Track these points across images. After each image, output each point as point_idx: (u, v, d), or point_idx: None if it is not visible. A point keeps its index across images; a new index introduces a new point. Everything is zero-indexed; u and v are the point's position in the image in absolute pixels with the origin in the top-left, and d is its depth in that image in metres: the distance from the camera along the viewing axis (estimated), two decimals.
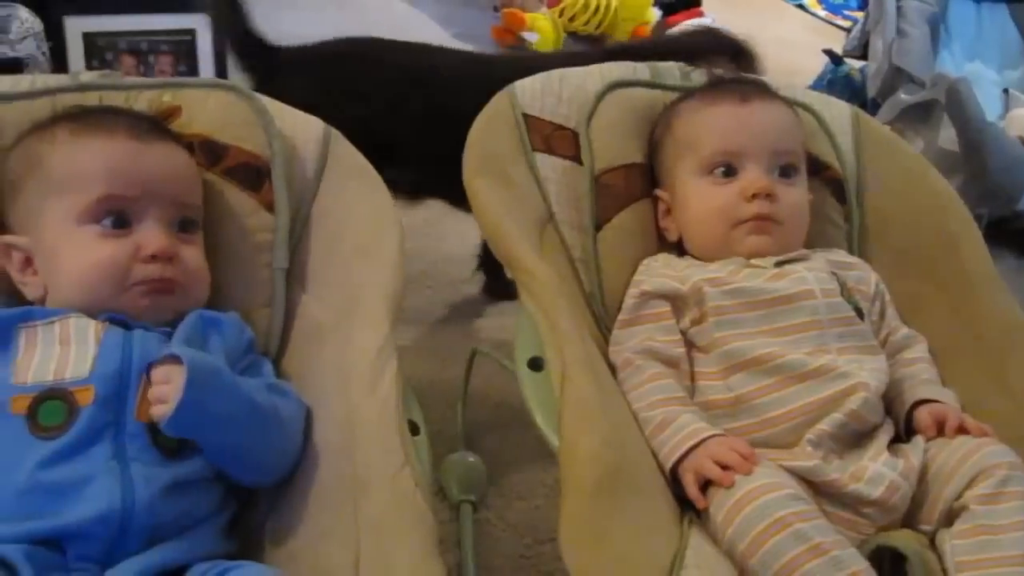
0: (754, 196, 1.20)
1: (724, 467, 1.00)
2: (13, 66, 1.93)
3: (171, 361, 0.91)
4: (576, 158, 1.27)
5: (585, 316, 1.19)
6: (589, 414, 0.97)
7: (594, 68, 1.36)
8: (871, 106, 2.52)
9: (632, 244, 1.26)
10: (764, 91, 1.30)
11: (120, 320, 1.00)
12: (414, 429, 1.01)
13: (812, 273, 1.17)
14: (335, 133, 1.21)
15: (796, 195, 1.24)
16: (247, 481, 1.00)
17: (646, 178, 1.31)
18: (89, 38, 2.26)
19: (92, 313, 1.00)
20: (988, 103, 2.28)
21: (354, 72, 1.69)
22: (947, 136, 2.24)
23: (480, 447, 1.62)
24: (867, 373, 1.10)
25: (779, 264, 1.19)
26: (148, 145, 1.06)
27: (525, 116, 1.27)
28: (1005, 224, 2.19)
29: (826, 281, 1.17)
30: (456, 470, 1.54)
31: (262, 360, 1.09)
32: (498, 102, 1.27)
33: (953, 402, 1.14)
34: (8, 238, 1.05)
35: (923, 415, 1.11)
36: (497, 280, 1.95)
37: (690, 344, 1.16)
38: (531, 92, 1.29)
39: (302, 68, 1.67)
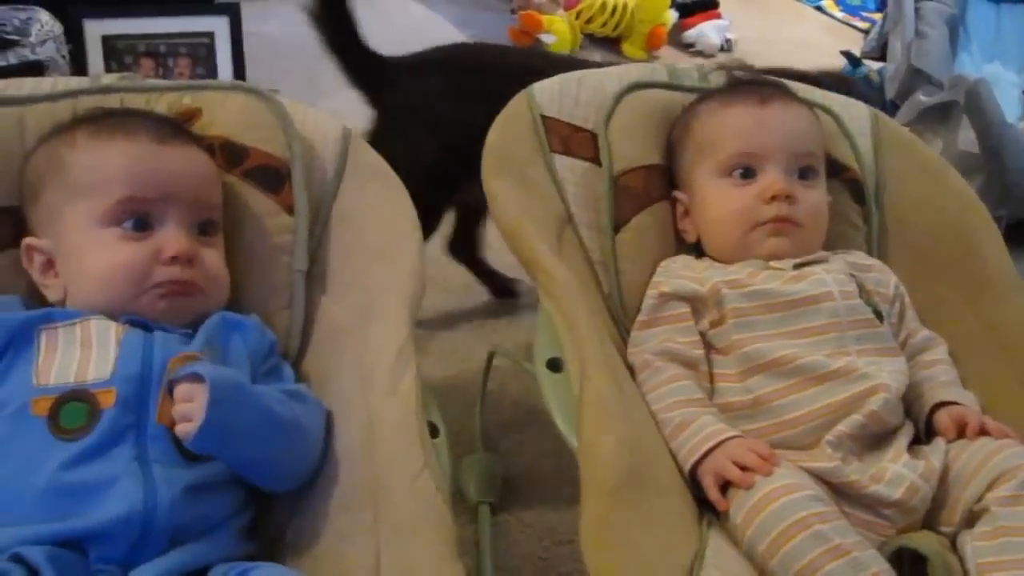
0: (773, 198, 1.20)
1: (743, 468, 1.00)
2: (34, 69, 1.94)
3: (193, 379, 0.91)
4: (594, 159, 1.27)
5: (604, 318, 1.19)
6: (608, 415, 0.97)
7: (612, 70, 1.36)
8: (890, 108, 2.51)
9: (651, 246, 1.26)
10: (783, 92, 1.30)
11: (141, 322, 1.01)
12: (433, 431, 1.01)
13: (831, 275, 1.17)
14: (355, 134, 1.22)
15: (815, 197, 1.24)
16: (268, 488, 1.01)
17: (665, 179, 1.31)
18: (108, 41, 2.27)
19: (113, 315, 1.00)
20: (1007, 104, 2.26)
21: (464, 77, 1.69)
22: (966, 138, 2.23)
23: (498, 449, 1.62)
24: (887, 375, 1.09)
25: (798, 266, 1.19)
26: (169, 147, 1.07)
27: (543, 118, 1.27)
28: None
29: (845, 283, 1.17)
30: (474, 472, 1.54)
31: (283, 364, 1.09)
32: (516, 104, 1.27)
33: (973, 404, 1.13)
34: (30, 240, 1.06)
35: (943, 417, 1.11)
36: (496, 281, 1.96)
37: (709, 346, 1.16)
38: (549, 94, 1.29)
39: (415, 77, 1.68)
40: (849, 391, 1.07)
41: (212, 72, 2.34)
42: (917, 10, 2.58)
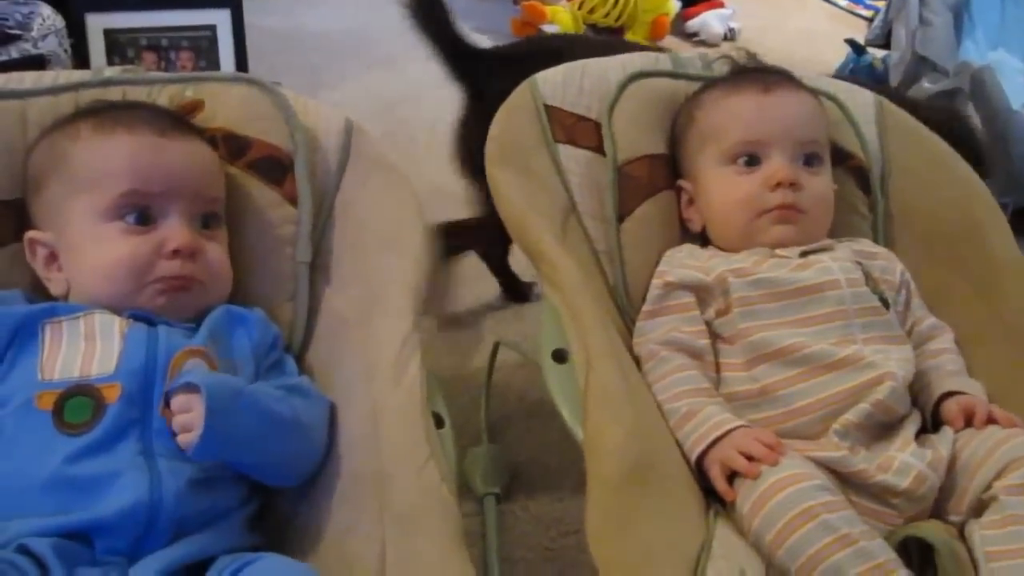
0: (778, 185, 1.19)
1: (750, 458, 0.99)
2: (36, 63, 1.94)
3: (188, 388, 0.91)
4: (598, 149, 1.27)
5: (609, 308, 1.19)
6: (614, 405, 0.97)
7: (615, 58, 1.35)
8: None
9: (655, 235, 1.26)
10: (787, 80, 1.29)
11: (144, 316, 1.01)
12: (439, 422, 1.01)
13: (837, 263, 1.17)
14: (357, 125, 1.22)
15: (820, 184, 1.24)
16: (273, 484, 1.01)
17: (669, 169, 1.30)
18: (110, 35, 2.26)
19: (116, 309, 1.00)
20: (1012, 91, 2.25)
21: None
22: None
23: (504, 439, 1.62)
24: (894, 363, 1.09)
25: (804, 254, 1.19)
26: (171, 140, 1.06)
27: (547, 107, 1.26)
28: None
29: (851, 271, 1.16)
30: (480, 463, 1.54)
31: (286, 358, 1.09)
32: (520, 94, 1.27)
33: (980, 393, 1.13)
34: (33, 234, 1.06)
35: (951, 406, 1.11)
36: (513, 284, 1.96)
37: (715, 335, 1.16)
38: (552, 83, 1.29)
39: (511, 67, 1.68)
40: (856, 380, 1.07)
41: (214, 65, 2.33)
42: None
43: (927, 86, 2.40)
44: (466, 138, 1.71)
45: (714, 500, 1.03)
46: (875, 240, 1.31)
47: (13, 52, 1.94)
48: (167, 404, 0.92)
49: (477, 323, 1.87)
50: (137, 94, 1.19)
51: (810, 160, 1.23)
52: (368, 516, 0.92)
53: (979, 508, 0.99)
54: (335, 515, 0.96)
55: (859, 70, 2.76)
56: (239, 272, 1.11)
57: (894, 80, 2.57)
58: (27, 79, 1.18)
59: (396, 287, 1.08)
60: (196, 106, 1.17)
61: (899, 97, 1.56)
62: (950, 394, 1.12)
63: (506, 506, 1.51)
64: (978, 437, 1.04)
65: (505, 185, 1.16)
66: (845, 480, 1.00)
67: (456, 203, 2.15)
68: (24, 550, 0.83)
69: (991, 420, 1.07)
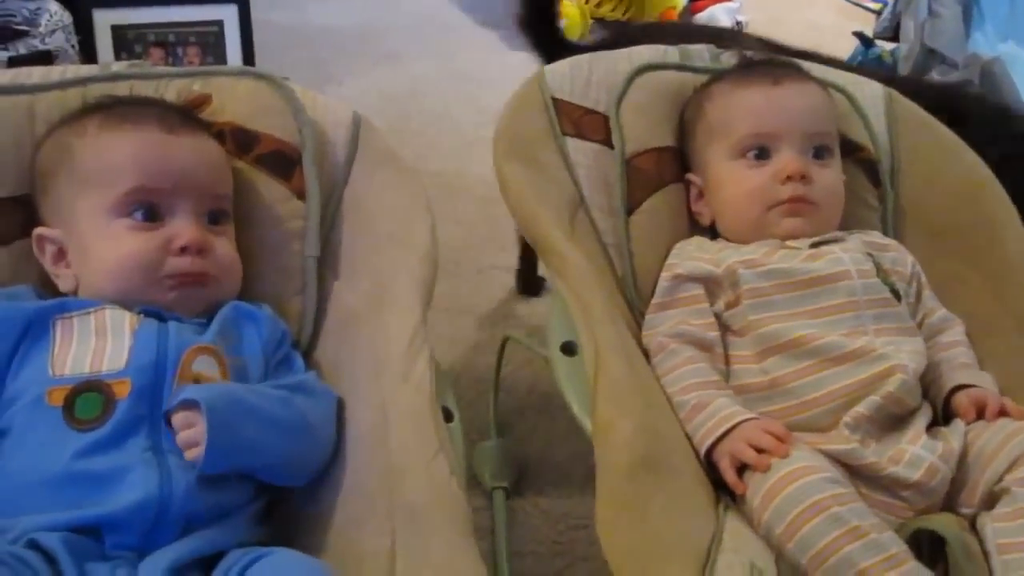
0: (788, 179, 1.19)
1: (760, 451, 0.99)
2: (43, 59, 1.94)
3: (188, 406, 0.91)
4: (607, 142, 1.27)
5: (617, 300, 1.19)
6: (623, 397, 0.96)
7: (623, 51, 1.35)
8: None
9: (664, 228, 1.26)
10: (796, 72, 1.29)
11: (155, 312, 1.01)
12: (448, 416, 1.01)
13: (848, 254, 1.16)
14: (365, 120, 1.21)
15: (830, 176, 1.23)
16: (281, 484, 1.01)
17: (677, 161, 1.30)
18: (118, 31, 2.26)
19: (126, 305, 1.00)
20: (1023, 83, 2.24)
21: None
22: None
23: (512, 434, 1.62)
24: (905, 355, 1.08)
25: (814, 245, 1.18)
26: (178, 136, 1.06)
27: (554, 100, 1.26)
28: None
29: (862, 262, 1.16)
30: (489, 457, 1.54)
31: (294, 354, 1.09)
32: (527, 87, 1.27)
33: (992, 387, 1.12)
34: (41, 230, 1.06)
35: (962, 399, 1.10)
36: (530, 273, 1.95)
37: (725, 327, 1.16)
38: (560, 76, 1.28)
39: None
40: (867, 372, 1.07)
41: (221, 61, 2.33)
42: None
43: (936, 79, 2.39)
44: None
45: (724, 493, 1.02)
46: (884, 232, 1.30)
47: (21, 48, 1.94)
48: (168, 423, 0.91)
49: (485, 317, 1.87)
50: (145, 89, 1.18)
51: (820, 152, 1.23)
52: (378, 510, 0.92)
53: (991, 501, 0.99)
54: (344, 509, 0.96)
55: (868, 63, 2.75)
56: (248, 267, 1.11)
57: (903, 72, 2.56)
58: (35, 74, 1.17)
59: (405, 281, 1.08)
60: (204, 100, 1.17)
61: (914, 85, 1.56)
62: (961, 387, 1.12)
63: (515, 500, 1.51)
64: (990, 429, 1.04)
65: (513, 178, 1.16)
66: (856, 473, 1.00)
67: (463, 197, 2.16)
68: (34, 545, 0.83)
69: (1003, 413, 1.07)
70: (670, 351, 1.12)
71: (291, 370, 1.06)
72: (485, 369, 1.67)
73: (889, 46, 2.81)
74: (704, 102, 1.28)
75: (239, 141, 1.15)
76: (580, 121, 1.27)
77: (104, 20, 2.25)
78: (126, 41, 2.28)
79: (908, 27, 2.61)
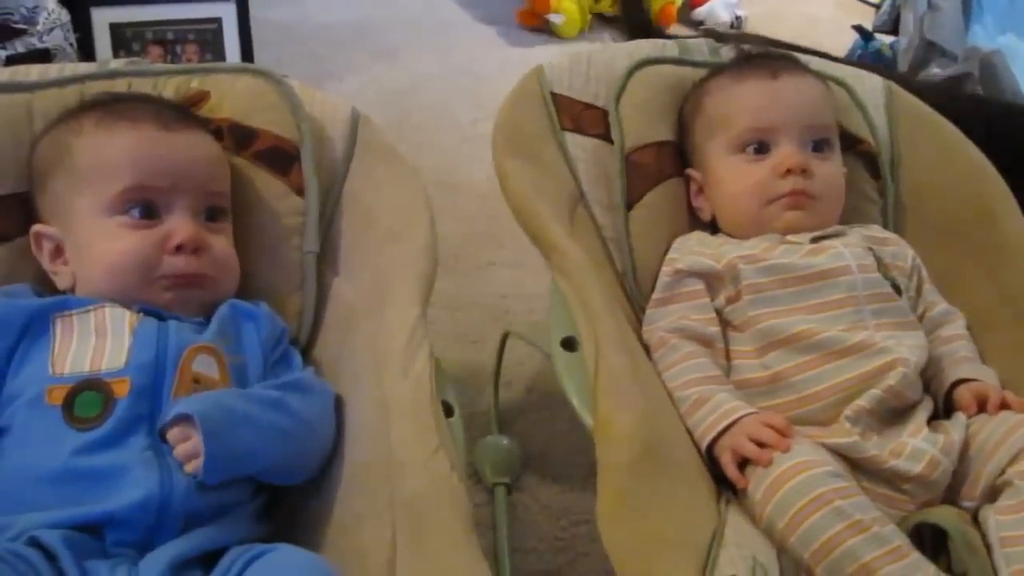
0: (788, 172, 1.19)
1: (761, 445, 0.99)
2: (41, 57, 1.93)
3: (181, 420, 0.91)
4: (606, 137, 1.27)
5: (618, 296, 1.19)
6: (624, 392, 0.96)
7: (622, 45, 1.36)
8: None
9: (664, 223, 1.26)
10: (795, 65, 1.29)
11: (154, 311, 1.00)
12: (448, 411, 1.01)
13: (848, 249, 1.16)
14: (364, 115, 1.21)
15: (830, 169, 1.23)
16: (282, 484, 1.01)
17: (677, 156, 1.30)
18: (116, 28, 2.26)
19: (125, 303, 1.00)
20: (1023, 75, 2.24)
21: None
22: None
23: (513, 429, 1.61)
24: (905, 349, 1.08)
25: (815, 240, 1.18)
26: (174, 134, 1.06)
27: (553, 95, 1.26)
28: None
29: (862, 256, 1.16)
30: (490, 453, 1.54)
31: (292, 351, 1.09)
32: (526, 82, 1.27)
33: (993, 381, 1.12)
34: (39, 227, 1.06)
35: (964, 393, 1.10)
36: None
37: (725, 322, 1.16)
38: (559, 71, 1.28)
39: None
40: (867, 366, 1.07)
41: (220, 58, 2.32)
42: None
43: (936, 71, 2.39)
44: None
45: (725, 488, 1.02)
46: (885, 225, 1.30)
47: (19, 46, 1.94)
48: (163, 439, 0.91)
49: (485, 313, 1.87)
50: (143, 86, 1.18)
51: (819, 145, 1.23)
52: (378, 505, 0.92)
53: (993, 493, 0.99)
54: (345, 504, 0.97)
55: (867, 56, 2.74)
56: (246, 263, 1.11)
57: (902, 66, 2.55)
58: (33, 72, 1.17)
59: (404, 276, 1.07)
60: (202, 97, 1.17)
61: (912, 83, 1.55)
62: (963, 381, 1.12)
63: (516, 496, 1.50)
64: (992, 422, 1.04)
65: (513, 174, 1.16)
66: (857, 466, 1.00)
67: (463, 193, 2.16)
68: (34, 542, 0.83)
69: (1004, 406, 1.07)
70: (671, 346, 1.12)
71: (289, 368, 1.06)
72: (485, 365, 1.67)
73: (888, 39, 2.80)
74: (702, 97, 1.28)
75: (237, 137, 1.15)
76: (579, 116, 1.27)
77: (102, 18, 2.24)
78: (124, 39, 2.27)
79: (907, 20, 2.60)
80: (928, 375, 1.13)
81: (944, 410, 1.12)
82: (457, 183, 2.19)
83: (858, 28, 2.82)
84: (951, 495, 1.02)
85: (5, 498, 0.88)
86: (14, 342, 0.96)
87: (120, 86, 1.18)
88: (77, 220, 1.03)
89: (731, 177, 1.23)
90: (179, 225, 1.02)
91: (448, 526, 0.88)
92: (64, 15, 2.05)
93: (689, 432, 1.06)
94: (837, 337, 1.08)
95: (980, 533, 0.96)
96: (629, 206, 1.24)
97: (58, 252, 1.05)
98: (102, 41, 2.24)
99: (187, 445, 0.90)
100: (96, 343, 0.96)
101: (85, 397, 0.91)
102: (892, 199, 1.33)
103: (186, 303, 1.03)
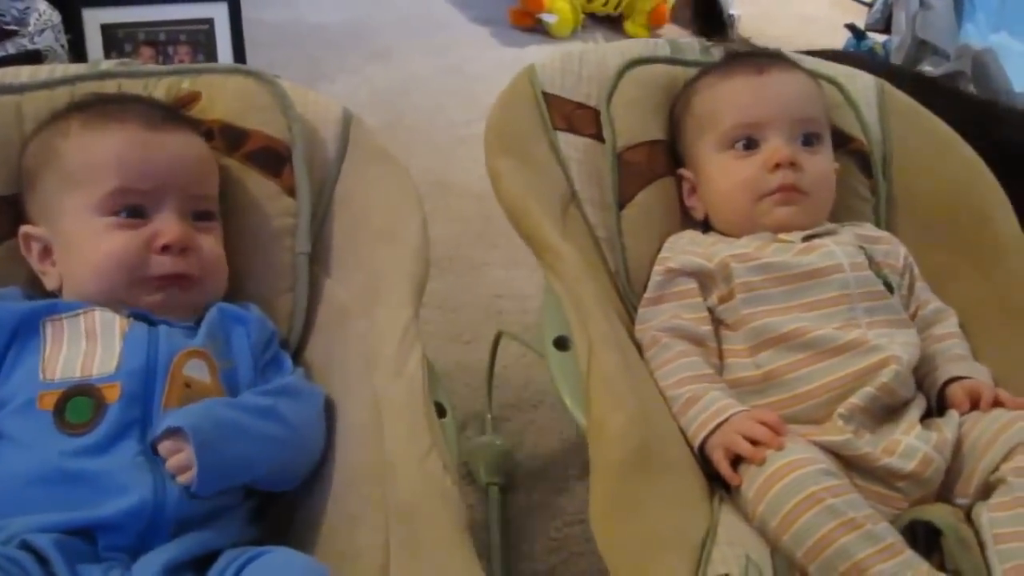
0: (777, 166, 1.19)
1: (754, 443, 0.99)
2: (32, 59, 1.93)
3: (172, 434, 0.90)
4: (598, 136, 1.27)
5: (610, 295, 1.19)
6: (616, 391, 0.96)
7: (613, 45, 1.36)
8: None
9: (656, 222, 1.26)
10: (782, 61, 1.29)
11: (144, 316, 1.00)
12: (441, 411, 1.01)
13: (840, 247, 1.16)
14: (355, 116, 1.21)
15: (821, 164, 1.23)
16: (275, 490, 1.01)
17: (668, 155, 1.30)
18: (107, 29, 2.26)
19: (114, 308, 1.00)
20: (1014, 74, 2.24)
21: None
22: None
23: (506, 430, 1.61)
24: (898, 347, 1.08)
25: (807, 238, 1.18)
26: (162, 134, 1.06)
27: (545, 95, 1.26)
28: None
29: (854, 255, 1.16)
30: (483, 453, 1.54)
31: (282, 354, 1.08)
32: (518, 81, 1.26)
33: (987, 378, 1.12)
34: (27, 228, 1.05)
35: (956, 391, 1.10)
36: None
37: (718, 321, 1.16)
38: (551, 71, 1.28)
39: None
40: (860, 364, 1.07)
41: (212, 59, 2.32)
42: None
43: (928, 70, 2.39)
44: None
45: (719, 486, 1.02)
46: (877, 223, 1.30)
47: (9, 47, 1.93)
48: (155, 451, 0.91)
49: (478, 314, 1.87)
50: (133, 87, 1.18)
51: (809, 139, 1.23)
52: (371, 507, 0.92)
53: (986, 490, 0.99)
54: (338, 506, 0.96)
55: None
56: (238, 264, 1.11)
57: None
58: (23, 73, 1.17)
59: (396, 277, 1.07)
60: (193, 98, 1.17)
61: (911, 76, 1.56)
62: (956, 379, 1.12)
63: (510, 496, 1.50)
64: (985, 419, 1.04)
65: (505, 173, 1.16)
66: (850, 464, 1.00)
67: (455, 193, 2.16)
68: (26, 546, 0.83)
69: (997, 403, 1.07)
70: (663, 345, 1.11)
71: (280, 371, 1.06)
72: (478, 365, 1.67)
73: (881, 38, 2.81)
74: (691, 96, 1.28)
75: (229, 138, 1.15)
76: (571, 115, 1.26)
77: (94, 19, 2.24)
78: (116, 40, 2.27)
79: (900, 19, 2.60)
80: (921, 373, 1.13)
81: (937, 408, 1.12)
82: (450, 183, 2.20)
83: (851, 27, 2.82)
84: (944, 492, 1.02)
85: None
86: (4, 346, 0.95)
87: (111, 87, 1.17)
88: (65, 221, 1.03)
89: (721, 174, 1.23)
90: (166, 225, 1.02)
91: (441, 527, 0.88)
92: (55, 16, 2.05)
93: (682, 431, 1.06)
94: (830, 335, 1.08)
95: (973, 530, 0.96)
96: (621, 205, 1.23)
97: (46, 253, 1.05)
98: (93, 42, 2.24)
99: (179, 457, 0.89)
100: (87, 348, 0.96)
101: (76, 403, 0.91)
102: (884, 197, 1.32)
103: (174, 306, 1.03)
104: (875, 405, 1.05)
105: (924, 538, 0.96)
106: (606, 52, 1.33)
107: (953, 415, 1.06)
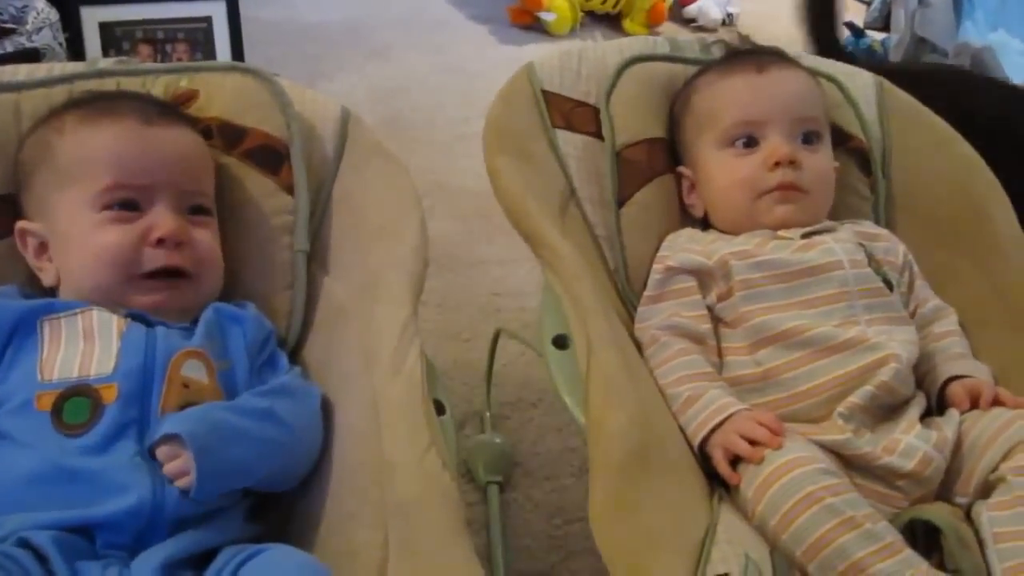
0: (777, 164, 1.19)
1: (753, 442, 0.99)
2: (30, 57, 1.92)
3: (169, 439, 0.90)
4: (597, 134, 1.26)
5: (610, 293, 1.19)
6: (616, 390, 0.96)
7: (613, 43, 1.36)
8: None
9: (655, 220, 1.25)
10: (782, 59, 1.29)
11: (141, 316, 1.00)
12: (440, 409, 1.01)
13: (840, 244, 1.16)
14: (353, 114, 1.21)
15: (820, 162, 1.23)
16: (274, 491, 1.00)
17: (668, 153, 1.30)
18: (106, 27, 2.25)
19: (111, 307, 1.00)
20: (1013, 72, 2.24)
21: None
22: None
23: (505, 428, 1.61)
24: (897, 344, 1.08)
25: (806, 235, 1.18)
26: (156, 129, 1.05)
27: (544, 93, 1.26)
28: None
29: (854, 252, 1.16)
30: (482, 452, 1.53)
31: (279, 354, 1.08)
32: (517, 79, 1.26)
33: (987, 377, 1.12)
34: (23, 224, 1.05)
35: (957, 389, 1.10)
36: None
37: (717, 319, 1.15)
38: (550, 68, 1.28)
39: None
40: (859, 362, 1.06)
41: (211, 57, 2.31)
42: None
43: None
44: None
45: (718, 484, 1.02)
46: (876, 221, 1.30)
47: (7, 46, 1.93)
48: (152, 455, 0.91)
49: (476, 312, 1.86)
50: (132, 85, 1.18)
51: (809, 137, 1.23)
52: (370, 504, 0.92)
53: (986, 489, 0.99)
54: (337, 503, 0.96)
55: (858, 53, 2.75)
56: (236, 262, 1.11)
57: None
58: (21, 72, 1.17)
59: (394, 275, 1.07)
60: (191, 96, 1.17)
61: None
62: (956, 377, 1.12)
63: (509, 495, 1.50)
64: (985, 418, 1.04)
65: (504, 171, 1.16)
66: (849, 463, 1.00)
67: (454, 191, 2.16)
68: (24, 543, 0.83)
69: (997, 402, 1.07)
70: (662, 343, 1.11)
71: (275, 371, 1.06)
72: (477, 363, 1.67)
73: (880, 36, 2.81)
74: (691, 94, 1.28)
75: (227, 136, 1.15)
76: (570, 113, 1.26)
77: (92, 17, 2.23)
78: (114, 38, 2.27)
79: (899, 17, 2.61)
80: (921, 372, 1.13)
81: (938, 407, 1.12)
82: (448, 181, 2.19)
83: (849, 25, 2.82)
84: (944, 491, 1.02)
85: None
86: (2, 345, 0.96)
87: (109, 85, 1.17)
88: (60, 216, 1.03)
89: (721, 172, 1.23)
90: (161, 219, 1.02)
91: (440, 525, 0.88)
92: (53, 14, 2.04)
93: (681, 429, 1.06)
94: (829, 333, 1.08)
95: (973, 529, 0.96)
96: (620, 203, 1.23)
97: (42, 249, 1.05)
98: (92, 40, 2.23)
99: (177, 463, 0.89)
100: (84, 348, 0.95)
101: (74, 403, 0.91)
102: (883, 195, 1.32)
103: (169, 305, 1.02)
104: (874, 404, 1.05)
105: (924, 537, 0.96)
106: (605, 50, 1.33)
107: (953, 414, 1.06)
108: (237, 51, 2.32)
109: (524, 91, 1.25)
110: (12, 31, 1.95)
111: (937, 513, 0.96)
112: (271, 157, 1.15)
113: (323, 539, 0.94)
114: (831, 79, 1.36)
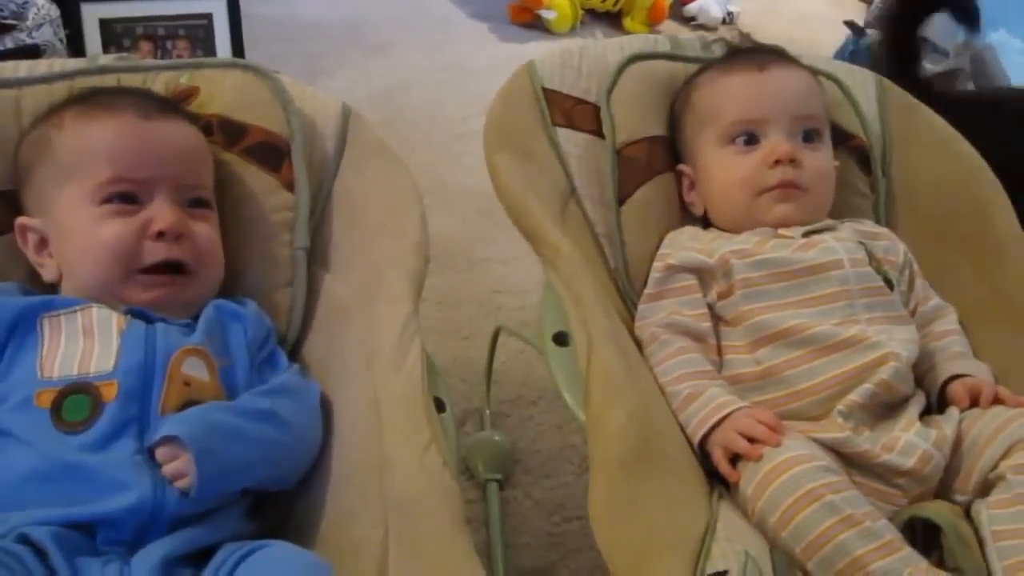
0: (777, 162, 1.19)
1: (752, 440, 0.99)
2: (31, 53, 1.92)
3: (169, 441, 0.90)
4: (597, 132, 1.26)
5: (610, 291, 1.19)
6: (616, 387, 0.96)
7: (614, 41, 1.36)
8: None
9: (656, 218, 1.25)
10: (782, 57, 1.29)
11: (142, 313, 1.00)
12: (440, 406, 1.01)
13: (840, 243, 1.16)
14: (354, 112, 1.21)
15: (820, 160, 1.23)
16: (274, 490, 1.00)
17: (668, 151, 1.30)
18: (106, 24, 2.25)
19: (110, 303, 0.99)
20: (1013, 72, 2.24)
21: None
22: None
23: (505, 425, 1.61)
24: (897, 343, 1.08)
25: (807, 234, 1.18)
26: (155, 124, 1.05)
27: (545, 90, 1.26)
28: None
29: (854, 251, 1.16)
30: (482, 449, 1.54)
31: (278, 351, 1.08)
32: (517, 77, 1.26)
33: (987, 376, 1.12)
34: (23, 220, 1.05)
35: (957, 388, 1.10)
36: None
37: (717, 317, 1.15)
38: (550, 66, 1.28)
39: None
40: (859, 360, 1.06)
41: (211, 54, 2.31)
42: None
43: (927, 67, 2.39)
44: None
45: (718, 482, 1.02)
46: (876, 220, 1.30)
47: (8, 42, 1.93)
48: (151, 456, 0.91)
49: (477, 309, 1.87)
50: (132, 81, 1.18)
51: (809, 136, 1.23)
52: (370, 501, 0.92)
53: (986, 488, 0.99)
54: (337, 500, 0.96)
55: (859, 52, 2.74)
56: (236, 259, 1.11)
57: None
58: (22, 68, 1.17)
59: (395, 272, 1.07)
60: (191, 92, 1.17)
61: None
62: (956, 376, 1.12)
63: (509, 492, 1.51)
64: (984, 417, 1.04)
65: (504, 169, 1.16)
66: (849, 461, 1.00)
67: (454, 188, 2.16)
68: (24, 539, 0.83)
69: (997, 400, 1.07)
70: (662, 341, 1.11)
71: (275, 368, 1.06)
72: (478, 361, 1.67)
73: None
74: (691, 92, 1.28)
75: (227, 133, 1.15)
76: (571, 111, 1.26)
77: (92, 14, 2.23)
78: (114, 35, 2.27)
79: None
80: (921, 370, 1.13)
81: (937, 405, 1.12)
82: (449, 179, 2.19)
83: (850, 24, 2.82)
84: (943, 490, 1.02)
85: None
86: (3, 342, 0.95)
87: (109, 82, 1.17)
88: (60, 211, 1.03)
89: (721, 169, 1.23)
90: (160, 212, 1.02)
91: (440, 522, 0.88)
92: (54, 10, 2.04)
93: (681, 427, 1.06)
94: (829, 331, 1.08)
95: (973, 528, 0.96)
96: (621, 201, 1.23)
97: (43, 244, 1.05)
98: (92, 37, 2.23)
99: (176, 464, 0.89)
100: (84, 345, 0.95)
101: (73, 400, 0.91)
102: (884, 194, 1.32)
103: (170, 300, 1.03)
104: (874, 402, 1.05)
105: (923, 535, 0.96)
106: (606, 48, 1.33)
107: (953, 412, 1.06)
108: (237, 48, 2.33)
109: (525, 89, 1.25)
110: (12, 27, 1.95)
111: (937, 511, 0.96)
112: (272, 154, 1.15)
113: (323, 536, 0.94)
114: (831, 78, 1.36)
